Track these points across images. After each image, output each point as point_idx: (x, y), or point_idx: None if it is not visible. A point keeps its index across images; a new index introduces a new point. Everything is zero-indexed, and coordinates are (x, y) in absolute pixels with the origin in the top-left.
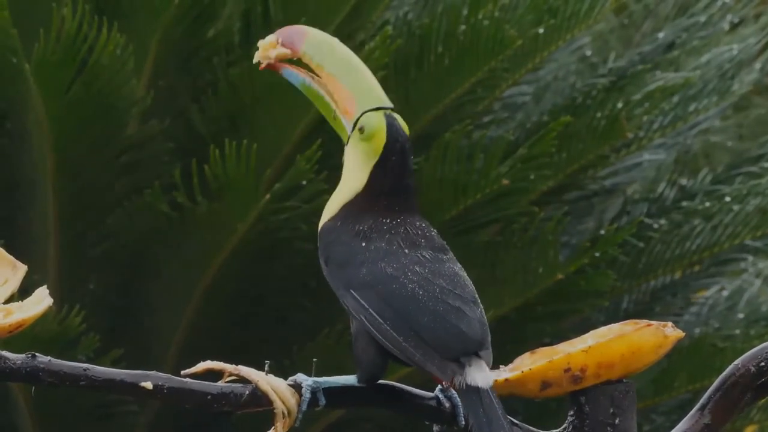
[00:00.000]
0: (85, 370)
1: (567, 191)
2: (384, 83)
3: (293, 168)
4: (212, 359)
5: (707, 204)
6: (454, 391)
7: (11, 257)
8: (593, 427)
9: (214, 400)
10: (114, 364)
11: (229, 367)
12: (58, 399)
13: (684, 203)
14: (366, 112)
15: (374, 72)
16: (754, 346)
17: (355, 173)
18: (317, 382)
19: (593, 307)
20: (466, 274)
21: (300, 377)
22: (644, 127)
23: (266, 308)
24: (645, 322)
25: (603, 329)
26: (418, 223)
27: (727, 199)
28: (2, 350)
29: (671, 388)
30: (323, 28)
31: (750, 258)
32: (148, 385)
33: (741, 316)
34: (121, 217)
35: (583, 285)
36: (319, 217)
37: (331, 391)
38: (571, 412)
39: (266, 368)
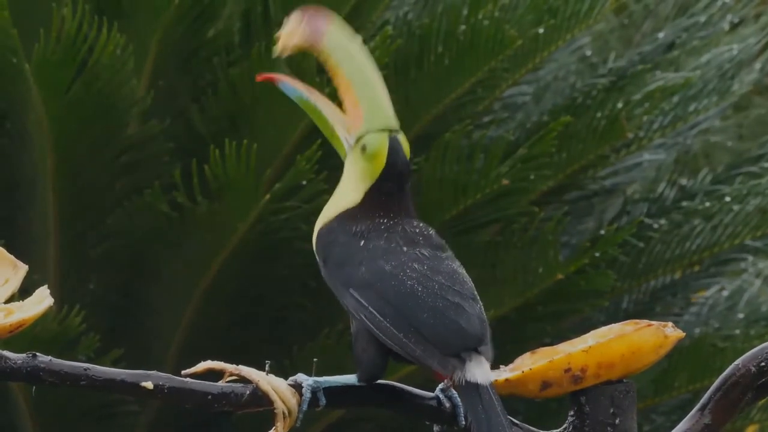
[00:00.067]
0: (85, 369)
1: (567, 191)
2: (384, 83)
3: (293, 168)
4: (212, 359)
5: (707, 204)
6: (454, 391)
7: (12, 257)
8: (593, 427)
9: (214, 400)
10: (114, 364)
11: (229, 367)
12: (58, 399)
13: (684, 203)
14: (371, 132)
15: None
16: (754, 346)
17: (350, 189)
18: (317, 381)
19: (593, 307)
20: (464, 272)
21: (300, 377)
22: (644, 127)
23: (266, 308)
24: (645, 322)
25: (603, 329)
26: (415, 222)
27: (727, 199)
28: (3, 350)
29: (671, 388)
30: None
31: (750, 258)
32: (149, 385)
33: (741, 316)
34: (121, 217)
35: (583, 285)
36: (318, 218)
37: (331, 391)
38: (572, 412)
39: (266, 368)
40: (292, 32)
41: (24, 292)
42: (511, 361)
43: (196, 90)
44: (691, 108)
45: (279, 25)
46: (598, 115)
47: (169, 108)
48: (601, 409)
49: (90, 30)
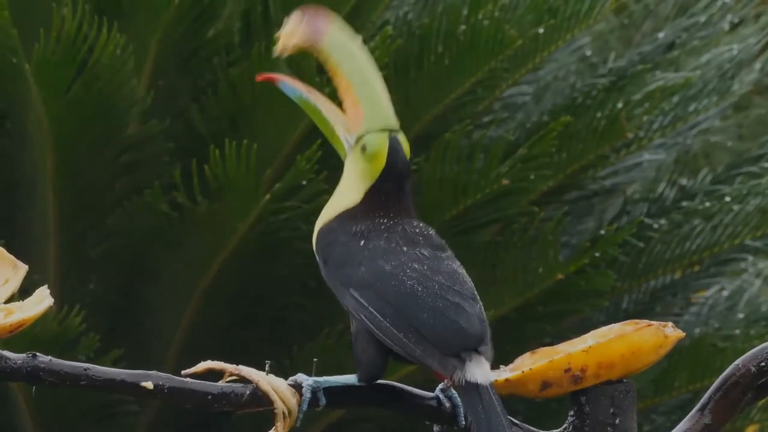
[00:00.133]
0: (85, 369)
1: (567, 191)
2: (384, 83)
3: (293, 168)
4: (212, 359)
5: (707, 204)
6: (454, 391)
7: (12, 257)
8: (593, 427)
9: (214, 400)
10: (114, 364)
11: (229, 367)
12: (58, 399)
13: (684, 203)
14: (371, 132)
15: None
16: (754, 346)
17: (350, 189)
18: (317, 381)
19: (593, 307)
20: (464, 272)
21: (300, 377)
22: (644, 127)
23: (266, 308)
24: (645, 322)
25: (603, 329)
26: (415, 223)
27: (727, 199)
28: (3, 350)
29: (671, 388)
30: None
31: (750, 258)
32: (149, 385)
33: (741, 316)
34: (121, 217)
35: (583, 285)
36: (318, 217)
37: (331, 391)
38: (572, 412)
39: (266, 368)
40: (292, 32)
41: (24, 292)
42: (511, 361)
43: (196, 90)
44: (691, 108)
45: (279, 25)
46: (598, 115)
47: (169, 108)
48: (601, 409)
49: (90, 30)
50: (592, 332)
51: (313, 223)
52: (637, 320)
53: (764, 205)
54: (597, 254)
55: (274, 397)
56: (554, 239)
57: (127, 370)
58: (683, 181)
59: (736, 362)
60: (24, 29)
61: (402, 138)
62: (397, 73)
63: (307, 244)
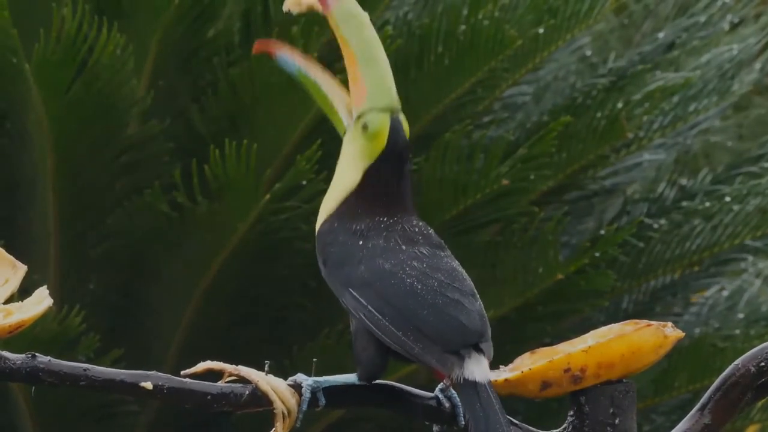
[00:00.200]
0: (85, 370)
1: (567, 191)
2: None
3: (293, 168)
4: (212, 359)
5: (707, 204)
6: (453, 391)
7: (11, 257)
8: (593, 427)
9: (214, 400)
10: (114, 364)
11: (229, 367)
12: (58, 399)
13: (684, 203)
14: (373, 110)
15: None
16: (754, 346)
17: (349, 169)
18: (317, 381)
19: (593, 307)
20: (463, 270)
21: (300, 377)
22: (644, 127)
23: (266, 308)
24: (645, 322)
25: (603, 329)
26: (415, 221)
27: (727, 199)
28: (2, 350)
29: (671, 388)
30: (323, 28)
31: (750, 258)
32: (148, 385)
33: (741, 316)
34: (121, 217)
35: (583, 285)
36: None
37: (331, 391)
38: (571, 412)
39: (266, 368)
40: None
41: (24, 292)
42: (511, 361)
43: (196, 90)
44: (691, 108)
45: (279, 25)
46: (598, 115)
47: (169, 108)
48: (601, 409)
49: (90, 30)
50: (592, 332)
51: (313, 223)
52: (637, 320)
53: (764, 205)
54: (597, 254)
55: (273, 397)
56: (554, 239)
57: (126, 371)
58: (683, 181)
59: (736, 362)
60: (24, 29)
61: (403, 119)
62: (397, 73)
63: (307, 244)
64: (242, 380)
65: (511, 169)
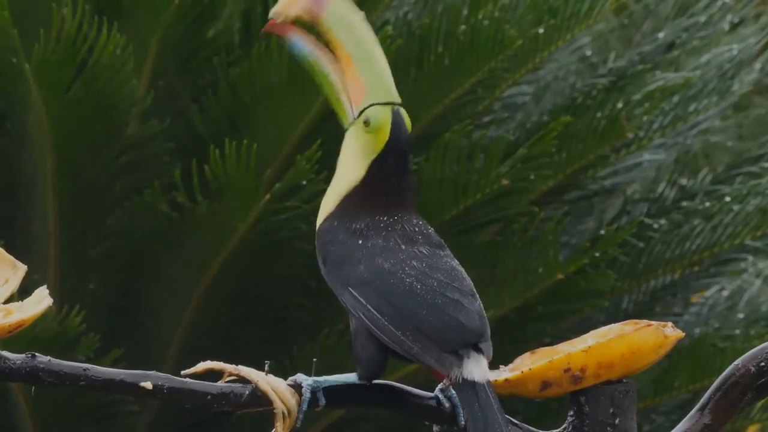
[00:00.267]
0: (85, 370)
1: (567, 191)
2: (386, 59)
3: (293, 168)
4: (212, 359)
5: (707, 204)
6: (453, 391)
7: (11, 257)
8: (593, 427)
9: (214, 400)
10: (114, 364)
11: (229, 367)
12: (58, 399)
13: (684, 203)
14: (374, 105)
15: None
16: (754, 346)
17: (352, 164)
18: (317, 381)
19: (593, 307)
20: (463, 270)
21: (300, 377)
22: (644, 127)
23: (266, 308)
24: (645, 322)
25: (603, 329)
26: (415, 220)
27: (727, 199)
28: (2, 350)
29: (671, 388)
30: None
31: (750, 258)
32: (148, 385)
33: (741, 316)
34: (121, 217)
35: (583, 285)
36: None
37: (331, 391)
38: (571, 412)
39: (266, 368)
40: (293, 1)
41: (24, 292)
42: (511, 361)
43: (196, 90)
44: (691, 108)
45: None
46: (598, 115)
47: (169, 108)
48: (601, 409)
49: (90, 30)
50: (592, 332)
51: (313, 223)
52: (637, 320)
53: (764, 205)
54: (597, 254)
55: (273, 397)
56: (554, 239)
57: (126, 370)
58: (683, 181)
59: (736, 362)
60: (24, 29)
61: (404, 113)
62: (397, 73)
63: (307, 244)
64: (242, 380)
65: (511, 169)
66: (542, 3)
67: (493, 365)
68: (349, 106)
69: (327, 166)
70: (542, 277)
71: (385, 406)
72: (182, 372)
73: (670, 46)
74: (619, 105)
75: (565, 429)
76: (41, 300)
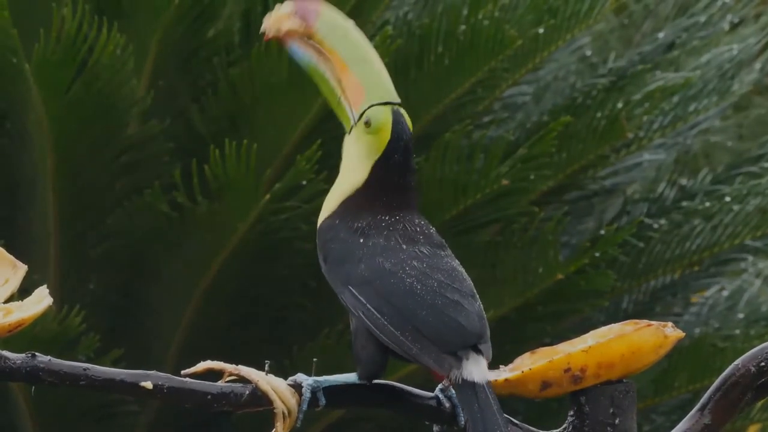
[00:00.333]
0: (85, 369)
1: (567, 191)
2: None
3: (293, 168)
4: (212, 359)
5: (707, 204)
6: (453, 391)
7: (11, 257)
8: (593, 427)
9: (214, 400)
10: (114, 364)
11: (229, 367)
12: (58, 399)
13: (684, 203)
14: (373, 105)
15: None
16: (754, 346)
17: (355, 167)
18: (317, 381)
19: (593, 307)
20: (464, 270)
21: (300, 377)
22: (644, 127)
23: (266, 308)
24: (645, 322)
25: (603, 329)
26: (416, 220)
27: (727, 199)
28: (2, 350)
29: (671, 388)
30: None
31: (750, 258)
32: (148, 384)
33: (741, 316)
34: (121, 217)
35: (583, 285)
36: (318, 217)
37: (331, 391)
38: (571, 412)
39: (266, 368)
40: (284, 17)
41: (24, 292)
42: (511, 361)
43: (196, 90)
44: (691, 108)
45: None
46: (598, 115)
47: (169, 108)
48: (601, 409)
49: (90, 30)
50: (592, 332)
51: (313, 223)
52: (637, 320)
53: (764, 205)
54: (597, 254)
55: (273, 397)
56: (554, 239)
57: (126, 370)
58: (683, 181)
59: (736, 362)
60: (24, 29)
61: (404, 112)
62: (397, 73)
63: (307, 244)
64: (242, 380)
65: (511, 169)
66: (542, 3)
67: (493, 365)
68: (349, 110)
69: (327, 166)
70: (542, 277)
71: (385, 406)
72: (182, 372)
73: (670, 46)
74: (619, 105)
75: (565, 429)
76: (41, 300)
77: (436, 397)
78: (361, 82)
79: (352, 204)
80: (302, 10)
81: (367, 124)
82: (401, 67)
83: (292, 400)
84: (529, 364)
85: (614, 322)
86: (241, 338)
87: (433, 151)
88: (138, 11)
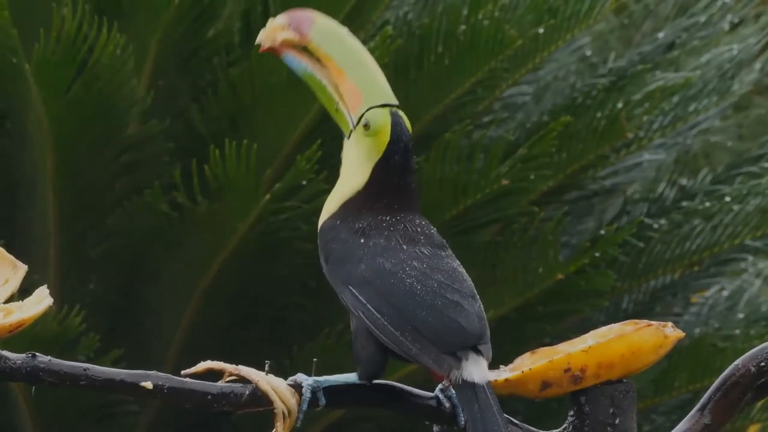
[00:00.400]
0: (85, 369)
1: (567, 191)
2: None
3: (293, 168)
4: (212, 359)
5: (707, 204)
6: (453, 391)
7: (11, 257)
8: (593, 427)
9: (214, 400)
10: (114, 364)
11: (229, 367)
12: (58, 399)
13: (684, 203)
14: (372, 108)
15: None
16: (754, 346)
17: (356, 170)
18: (317, 381)
19: (593, 307)
20: (464, 271)
21: (300, 377)
22: (644, 127)
23: (266, 308)
24: (645, 322)
25: (603, 329)
26: (417, 220)
27: (727, 199)
28: (2, 350)
29: (671, 388)
30: None
31: (750, 258)
32: (148, 385)
33: (741, 316)
34: (121, 217)
35: (583, 285)
36: (319, 217)
37: (331, 391)
38: (571, 412)
39: (266, 368)
40: (278, 27)
41: (24, 292)
42: (511, 361)
43: (196, 90)
44: (691, 108)
45: None
46: (598, 115)
47: (169, 108)
48: (601, 409)
49: (90, 30)
50: (592, 332)
51: (313, 223)
52: (637, 320)
53: (764, 205)
54: (597, 254)
55: (273, 397)
56: (554, 239)
57: (126, 370)
58: (683, 181)
59: (736, 362)
60: (24, 29)
61: (402, 114)
62: (397, 73)
63: (308, 244)
64: (242, 380)
65: (511, 169)
66: (542, 3)
67: (493, 365)
68: (348, 114)
69: (327, 166)
70: (542, 277)
71: (385, 406)
72: (182, 372)
73: (670, 46)
74: (619, 105)
75: (565, 429)
76: (41, 300)
77: (436, 397)
78: (358, 86)
79: (353, 205)
80: (296, 20)
81: (366, 126)
82: (401, 67)
83: (292, 400)
84: (529, 364)
85: (614, 322)
86: (241, 338)
87: (433, 151)
88: (138, 11)
